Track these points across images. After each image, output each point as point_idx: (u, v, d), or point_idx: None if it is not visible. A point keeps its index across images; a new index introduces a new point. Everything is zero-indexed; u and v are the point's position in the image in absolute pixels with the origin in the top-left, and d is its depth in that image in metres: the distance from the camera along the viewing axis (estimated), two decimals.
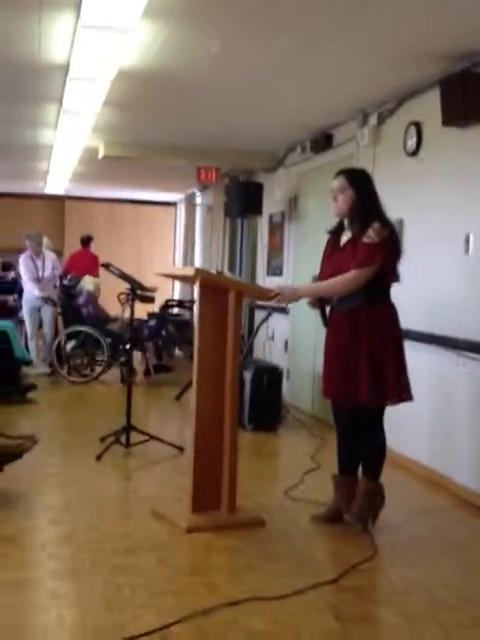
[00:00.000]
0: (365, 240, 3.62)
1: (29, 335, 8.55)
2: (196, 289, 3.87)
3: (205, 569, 3.28)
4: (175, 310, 9.79)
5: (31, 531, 3.68)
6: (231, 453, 3.76)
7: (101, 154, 7.82)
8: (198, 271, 4.02)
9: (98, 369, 8.30)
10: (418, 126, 5.06)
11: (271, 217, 8.05)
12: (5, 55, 4.85)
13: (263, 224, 8.21)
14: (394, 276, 3.72)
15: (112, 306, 8.84)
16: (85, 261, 10.21)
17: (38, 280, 8.48)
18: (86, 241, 10.70)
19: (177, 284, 12.53)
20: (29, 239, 8.57)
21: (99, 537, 3.57)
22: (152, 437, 5.21)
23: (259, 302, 7.07)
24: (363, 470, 3.83)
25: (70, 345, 8.32)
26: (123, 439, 5.16)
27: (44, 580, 3.08)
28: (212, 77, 5.21)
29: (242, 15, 3.97)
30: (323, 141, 6.54)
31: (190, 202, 12.17)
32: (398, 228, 4.44)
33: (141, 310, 7.45)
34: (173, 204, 13.56)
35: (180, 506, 3.90)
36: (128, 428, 5.19)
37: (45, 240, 9.04)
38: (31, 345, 8.46)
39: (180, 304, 10.05)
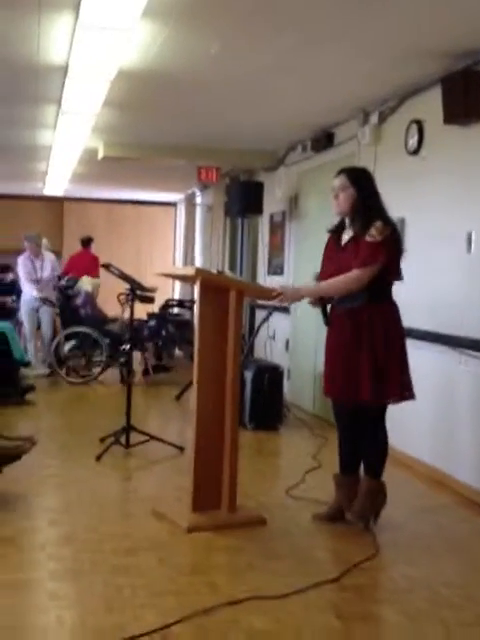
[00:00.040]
0: (367, 239, 3.61)
1: (27, 336, 8.54)
2: (196, 289, 3.86)
3: (206, 568, 3.26)
4: (175, 310, 9.77)
5: (30, 532, 3.65)
6: (232, 452, 3.75)
7: (101, 155, 7.80)
8: (199, 271, 4.01)
9: (96, 370, 8.29)
10: (420, 124, 5.04)
11: (272, 216, 8.03)
12: (4, 56, 4.84)
13: (264, 223, 8.20)
14: (396, 275, 3.71)
15: (112, 307, 8.82)
16: (85, 262, 10.21)
17: (36, 281, 8.47)
18: (86, 242, 10.71)
19: (177, 284, 12.52)
20: (28, 240, 8.56)
21: (99, 537, 3.55)
22: (152, 437, 5.19)
23: (260, 301, 7.05)
24: (365, 468, 3.82)
25: (68, 346, 8.29)
26: (123, 439, 5.14)
27: (43, 581, 3.06)
28: (212, 76, 5.19)
29: (242, 15, 3.96)
30: (324, 140, 6.52)
31: (190, 202, 12.16)
32: (400, 227, 4.42)
33: (141, 310, 7.44)
34: (173, 204, 13.55)
35: (180, 506, 3.88)
36: (128, 428, 5.17)
37: (44, 241, 9.03)
38: (29, 346, 8.45)
39: (180, 304, 10.04)
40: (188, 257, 12.14)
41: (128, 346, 5.63)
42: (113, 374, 8.24)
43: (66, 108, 5.90)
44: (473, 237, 4.45)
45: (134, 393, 5.43)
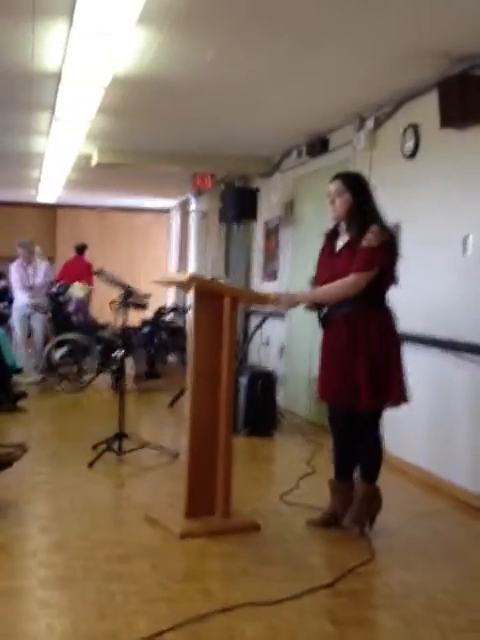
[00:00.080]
0: (364, 244, 3.59)
1: (19, 343, 8.50)
2: (190, 295, 3.83)
3: (199, 575, 3.23)
4: (168, 317, 9.75)
5: (21, 539, 3.61)
6: (226, 458, 3.72)
7: (95, 161, 7.78)
8: (193, 277, 3.98)
9: (88, 377, 8.23)
10: (416, 128, 5.04)
11: (267, 222, 8.02)
12: None
13: (258, 229, 8.18)
14: (392, 280, 3.69)
15: (107, 314, 8.78)
16: (79, 269, 10.20)
17: (29, 288, 8.45)
18: (81, 249, 10.71)
19: (171, 291, 12.50)
20: (21, 247, 8.56)
21: (91, 544, 3.50)
22: (144, 445, 5.15)
23: (255, 307, 7.04)
24: (360, 473, 3.79)
25: (60, 353, 8.25)
26: (115, 446, 5.10)
27: (34, 589, 3.01)
28: (207, 82, 5.18)
29: (237, 21, 3.95)
30: (319, 145, 6.53)
31: (184, 208, 12.15)
32: (396, 231, 4.42)
33: (135, 318, 7.41)
34: (166, 211, 13.54)
35: (173, 512, 3.84)
36: (120, 435, 5.14)
37: (37, 249, 9.01)
38: (21, 353, 8.41)
39: (173, 310, 10.01)
40: (182, 264, 12.13)
41: (120, 353, 5.59)
42: (105, 381, 8.20)
43: (60, 115, 5.88)
44: (470, 240, 4.44)
45: (126, 400, 5.39)
